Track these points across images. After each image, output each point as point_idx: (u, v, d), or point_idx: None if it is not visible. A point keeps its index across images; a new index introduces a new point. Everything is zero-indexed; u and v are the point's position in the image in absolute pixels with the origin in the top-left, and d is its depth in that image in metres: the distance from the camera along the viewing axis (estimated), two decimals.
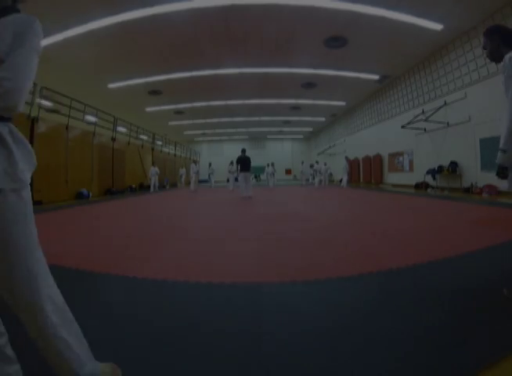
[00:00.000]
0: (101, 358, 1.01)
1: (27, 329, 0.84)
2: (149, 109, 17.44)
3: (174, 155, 21.60)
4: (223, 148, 31.65)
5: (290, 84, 14.11)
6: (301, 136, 31.18)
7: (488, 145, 8.30)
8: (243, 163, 9.60)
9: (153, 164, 10.60)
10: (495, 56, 1.67)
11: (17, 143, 0.82)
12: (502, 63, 1.57)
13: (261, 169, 19.70)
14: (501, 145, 1.54)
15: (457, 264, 2.21)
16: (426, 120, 10.62)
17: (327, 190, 12.55)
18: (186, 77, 12.68)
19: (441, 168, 10.24)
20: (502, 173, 1.57)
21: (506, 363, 1.05)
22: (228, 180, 12.47)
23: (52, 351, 0.86)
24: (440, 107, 10.30)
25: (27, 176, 0.83)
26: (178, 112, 18.77)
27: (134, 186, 13.98)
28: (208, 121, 21.81)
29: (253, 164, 10.19)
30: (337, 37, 9.26)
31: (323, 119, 22.48)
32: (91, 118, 11.82)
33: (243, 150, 9.85)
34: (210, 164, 17.71)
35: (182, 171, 18.92)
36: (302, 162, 18.11)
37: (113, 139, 12.57)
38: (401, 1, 7.31)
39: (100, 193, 11.23)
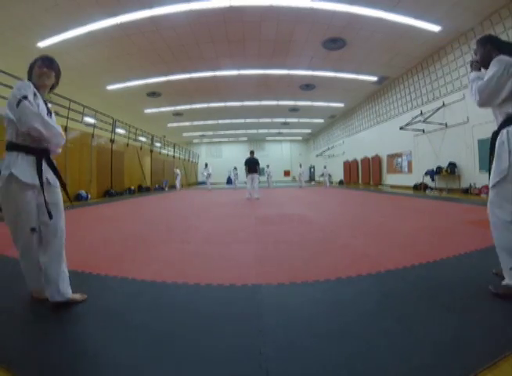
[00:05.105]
0: (100, 358, 1.00)
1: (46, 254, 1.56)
2: (147, 110, 17.46)
3: (173, 157, 21.59)
4: (222, 150, 31.69)
5: (288, 86, 14.16)
6: (300, 138, 31.26)
7: (487, 146, 8.32)
8: (251, 165, 9.60)
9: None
10: (484, 63, 1.82)
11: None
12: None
13: (261, 170, 19.59)
14: None
15: (456, 264, 2.21)
16: (424, 121, 10.66)
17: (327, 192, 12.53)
18: (185, 79, 12.72)
19: (439, 169, 10.26)
20: None
21: (506, 363, 1.04)
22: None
23: (53, 268, 1.55)
24: (438, 108, 10.34)
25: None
26: (177, 114, 18.79)
27: (133, 187, 13.96)
28: (207, 122, 21.84)
29: None
30: (335, 38, 9.31)
31: (322, 121, 22.54)
32: (89, 120, 11.81)
33: (252, 152, 9.97)
34: (206, 165, 16.57)
35: (177, 171, 18.10)
36: (300, 165, 17.74)
37: (112, 141, 12.56)
38: (399, 3, 7.36)
39: (99, 194, 11.20)
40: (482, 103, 1.71)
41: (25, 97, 1.44)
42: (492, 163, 1.79)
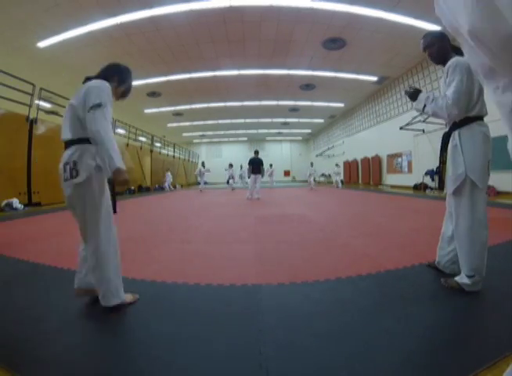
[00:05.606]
0: (99, 358, 1.00)
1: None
2: (147, 110, 17.45)
3: (173, 157, 21.57)
4: (222, 150, 31.70)
5: (288, 86, 14.16)
6: (300, 138, 31.26)
7: None
8: (255, 165, 9.57)
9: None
10: (441, 57, 1.78)
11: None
12: (445, 68, 1.69)
13: (263, 171, 19.06)
14: None
15: None
16: (424, 121, 10.65)
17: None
18: (185, 79, 12.72)
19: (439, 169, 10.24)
20: None
21: (506, 364, 1.04)
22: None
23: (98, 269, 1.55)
24: None
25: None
26: (177, 114, 18.79)
27: (133, 187, 13.97)
28: (207, 122, 21.84)
29: None
30: (335, 38, 9.31)
31: (322, 121, 22.54)
32: None
33: (256, 152, 9.89)
34: (202, 164, 15.57)
35: (168, 175, 17.05)
36: (312, 163, 16.39)
37: None
38: (399, 3, 7.36)
39: None
40: (460, 114, 1.61)
41: (102, 105, 1.44)
42: (441, 165, 1.77)
